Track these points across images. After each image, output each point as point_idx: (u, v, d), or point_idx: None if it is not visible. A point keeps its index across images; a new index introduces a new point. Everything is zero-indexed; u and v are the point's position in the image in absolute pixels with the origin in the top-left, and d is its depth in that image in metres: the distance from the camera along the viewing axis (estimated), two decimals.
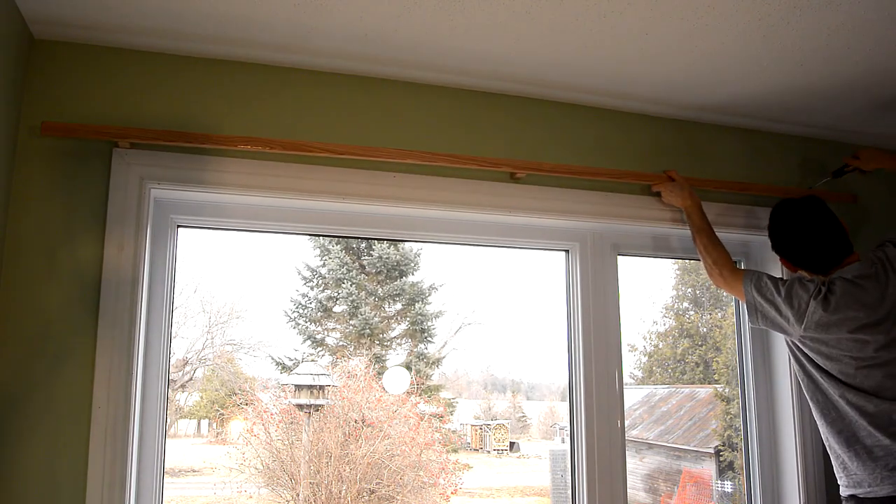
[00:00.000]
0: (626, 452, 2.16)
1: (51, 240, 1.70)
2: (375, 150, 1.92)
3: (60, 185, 1.73)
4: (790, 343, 1.95)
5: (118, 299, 1.70)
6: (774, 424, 2.33)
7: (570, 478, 2.15)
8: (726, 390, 2.64)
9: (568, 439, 2.19)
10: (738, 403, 2.45)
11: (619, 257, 2.26)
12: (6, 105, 1.62)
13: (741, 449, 2.41)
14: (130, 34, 1.78)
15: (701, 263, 2.16)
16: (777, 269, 2.37)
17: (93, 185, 1.74)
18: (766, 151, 2.44)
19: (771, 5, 1.66)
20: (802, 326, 1.81)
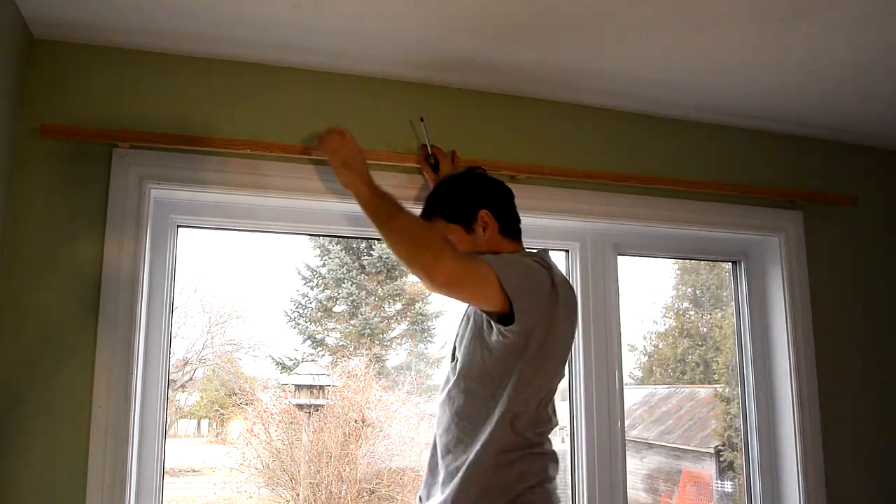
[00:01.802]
0: (626, 452, 2.16)
1: (51, 240, 1.70)
2: (376, 153, 1.91)
3: (60, 185, 1.73)
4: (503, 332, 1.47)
5: (118, 299, 1.70)
6: (774, 424, 2.33)
7: (570, 478, 2.15)
8: (726, 390, 2.64)
9: (568, 439, 2.19)
10: (738, 403, 2.45)
11: (619, 257, 2.27)
12: (6, 105, 1.62)
13: (741, 449, 2.41)
14: (130, 34, 1.78)
15: (701, 263, 2.16)
16: (777, 275, 2.38)
17: (93, 185, 1.74)
18: (765, 151, 2.44)
19: (772, 5, 1.66)
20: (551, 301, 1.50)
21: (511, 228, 1.65)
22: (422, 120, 1.82)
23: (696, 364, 2.76)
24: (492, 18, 1.72)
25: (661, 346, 2.74)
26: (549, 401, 1.55)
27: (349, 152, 1.62)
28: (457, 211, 1.61)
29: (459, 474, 1.46)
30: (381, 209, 1.51)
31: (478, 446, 1.46)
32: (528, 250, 1.67)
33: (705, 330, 2.76)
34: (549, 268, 1.53)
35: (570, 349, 1.63)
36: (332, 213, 1.99)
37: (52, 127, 1.69)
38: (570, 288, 1.60)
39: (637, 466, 2.68)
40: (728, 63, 1.96)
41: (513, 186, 2.07)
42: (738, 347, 2.44)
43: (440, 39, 1.83)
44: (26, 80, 1.74)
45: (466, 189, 1.65)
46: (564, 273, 2.24)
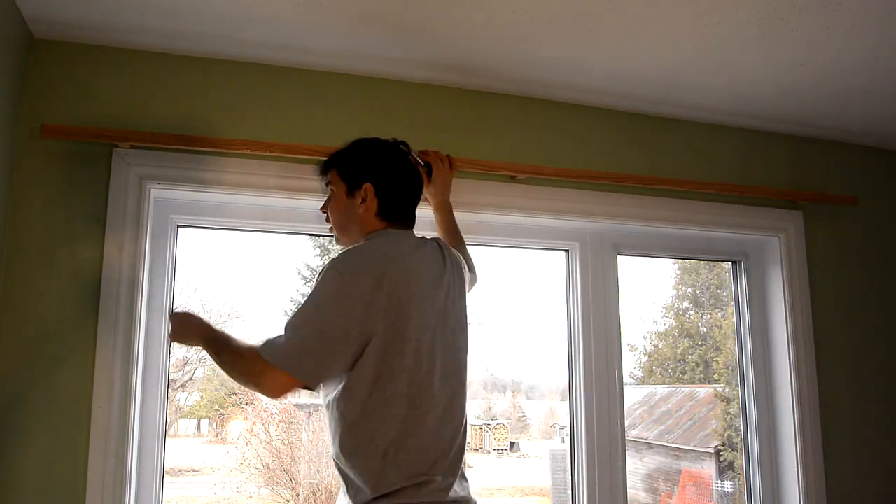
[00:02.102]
0: (627, 452, 2.16)
1: (51, 240, 1.70)
2: None
3: (60, 185, 1.73)
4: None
5: (118, 299, 1.70)
6: (774, 424, 2.33)
7: (570, 478, 2.15)
8: (726, 390, 2.64)
9: (568, 439, 2.19)
10: (738, 403, 2.45)
11: (619, 257, 2.27)
12: (6, 105, 1.62)
13: (741, 449, 2.41)
14: (130, 34, 1.78)
15: (701, 263, 2.15)
16: (777, 275, 2.38)
17: (93, 185, 1.74)
18: (765, 151, 2.44)
19: (771, 5, 1.66)
20: None
21: (392, 213, 1.57)
22: (404, 145, 1.82)
23: (696, 364, 2.76)
24: (491, 19, 1.72)
25: (661, 346, 2.74)
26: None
27: (187, 329, 1.53)
28: (348, 172, 1.58)
29: None
30: (214, 349, 1.47)
31: None
32: (390, 232, 1.57)
33: (705, 330, 2.76)
34: (388, 261, 1.44)
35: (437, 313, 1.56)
36: None
37: (52, 127, 1.69)
38: (418, 256, 1.52)
39: (637, 466, 2.68)
40: (728, 63, 1.96)
41: (513, 186, 2.08)
42: (738, 347, 2.44)
43: (439, 40, 1.83)
44: (26, 80, 1.74)
45: (365, 157, 1.59)
46: (563, 272, 2.25)
